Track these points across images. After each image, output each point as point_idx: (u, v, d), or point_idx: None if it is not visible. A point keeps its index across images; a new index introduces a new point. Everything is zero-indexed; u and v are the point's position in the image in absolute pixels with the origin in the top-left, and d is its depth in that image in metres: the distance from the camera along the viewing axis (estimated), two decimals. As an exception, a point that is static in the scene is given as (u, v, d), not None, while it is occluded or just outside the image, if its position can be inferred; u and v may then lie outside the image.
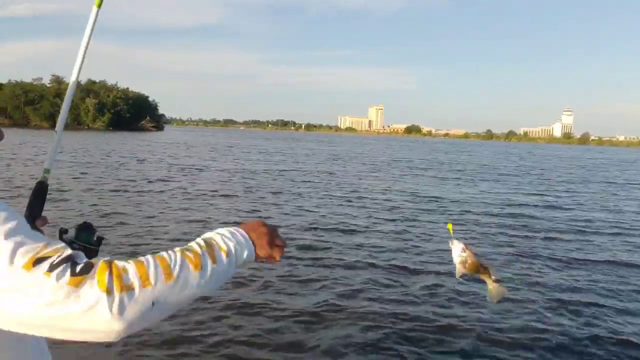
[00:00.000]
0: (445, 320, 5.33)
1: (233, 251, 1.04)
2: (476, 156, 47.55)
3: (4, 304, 0.83)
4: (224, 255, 1.02)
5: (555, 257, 8.26)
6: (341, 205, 12.70)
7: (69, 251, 0.90)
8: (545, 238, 9.65)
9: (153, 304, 0.87)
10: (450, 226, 1.34)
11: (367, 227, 10.03)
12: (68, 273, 0.84)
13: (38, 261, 0.84)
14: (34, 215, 1.50)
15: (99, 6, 1.63)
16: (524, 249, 8.66)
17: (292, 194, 14.24)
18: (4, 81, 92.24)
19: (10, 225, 0.87)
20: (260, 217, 10.26)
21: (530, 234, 10.06)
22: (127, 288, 0.86)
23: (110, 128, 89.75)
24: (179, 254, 0.96)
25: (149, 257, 0.93)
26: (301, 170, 22.76)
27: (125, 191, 13.21)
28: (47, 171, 1.61)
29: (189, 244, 1.02)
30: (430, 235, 9.51)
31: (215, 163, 24.91)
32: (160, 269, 0.90)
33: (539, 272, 7.34)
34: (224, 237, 1.06)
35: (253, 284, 6.12)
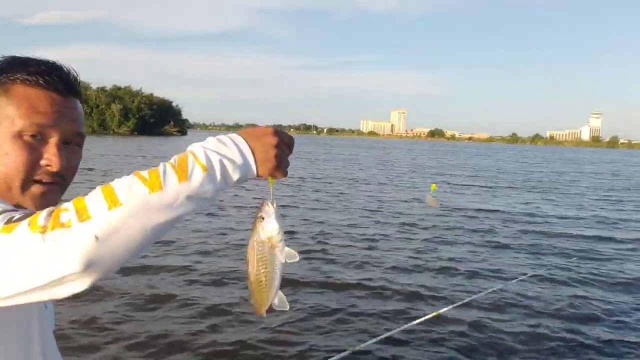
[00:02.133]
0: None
1: (217, 166, 0.80)
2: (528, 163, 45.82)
3: None
4: (199, 171, 0.78)
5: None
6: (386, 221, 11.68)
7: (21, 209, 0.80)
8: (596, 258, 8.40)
9: (96, 238, 0.72)
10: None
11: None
12: (2, 222, 0.75)
13: None
14: None
15: None
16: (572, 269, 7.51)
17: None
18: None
19: None
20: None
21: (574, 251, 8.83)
22: (62, 225, 0.73)
23: (135, 133, 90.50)
24: (130, 177, 0.77)
25: (95, 189, 0.77)
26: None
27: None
28: None
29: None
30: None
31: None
32: (102, 198, 0.74)
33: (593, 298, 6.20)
34: (206, 149, 0.81)
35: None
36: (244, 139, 0.86)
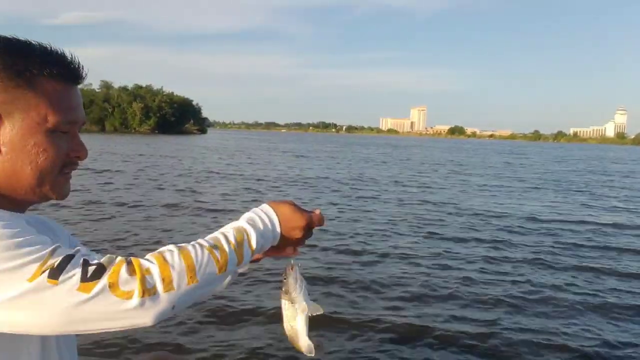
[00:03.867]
0: None
1: (258, 249, 0.98)
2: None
3: (12, 320, 0.76)
4: (249, 254, 0.96)
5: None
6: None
7: (79, 254, 0.82)
8: None
9: (174, 307, 0.84)
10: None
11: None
12: (77, 278, 0.77)
13: (42, 269, 0.77)
14: None
15: None
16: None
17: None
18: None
19: (9, 233, 0.78)
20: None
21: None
22: (150, 292, 0.80)
23: (156, 131, 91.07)
24: (206, 253, 0.88)
25: (174, 253, 0.86)
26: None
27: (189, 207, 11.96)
28: None
29: (217, 236, 0.94)
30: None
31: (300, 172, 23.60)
32: (185, 272, 0.84)
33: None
34: (257, 233, 0.97)
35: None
36: (280, 228, 1.01)
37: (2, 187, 0.91)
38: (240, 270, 1.03)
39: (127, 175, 16.74)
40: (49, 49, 0.94)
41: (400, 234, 8.85)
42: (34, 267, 0.75)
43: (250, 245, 0.95)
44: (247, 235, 0.95)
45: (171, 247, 0.88)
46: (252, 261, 1.03)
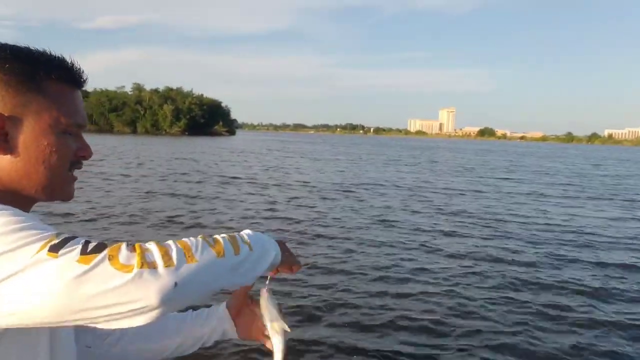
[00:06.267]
0: None
1: (259, 248, 1.00)
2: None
3: (12, 299, 0.76)
4: (247, 248, 0.97)
5: None
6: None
7: (81, 237, 0.84)
8: None
9: (176, 284, 0.81)
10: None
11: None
12: (77, 251, 0.78)
13: (45, 246, 0.78)
14: None
15: None
16: None
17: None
18: (90, 90, 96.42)
19: (16, 220, 0.81)
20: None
21: None
22: (150, 265, 0.80)
23: (186, 133, 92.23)
24: (200, 239, 0.91)
25: (169, 241, 0.89)
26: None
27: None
28: None
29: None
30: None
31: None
32: (182, 252, 0.86)
33: None
34: (246, 234, 1.02)
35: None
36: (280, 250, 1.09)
37: (14, 187, 0.94)
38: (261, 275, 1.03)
39: (164, 182, 16.73)
40: (50, 54, 0.96)
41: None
42: (38, 245, 0.77)
43: (243, 240, 0.97)
44: (236, 234, 0.99)
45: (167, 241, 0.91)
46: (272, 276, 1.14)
